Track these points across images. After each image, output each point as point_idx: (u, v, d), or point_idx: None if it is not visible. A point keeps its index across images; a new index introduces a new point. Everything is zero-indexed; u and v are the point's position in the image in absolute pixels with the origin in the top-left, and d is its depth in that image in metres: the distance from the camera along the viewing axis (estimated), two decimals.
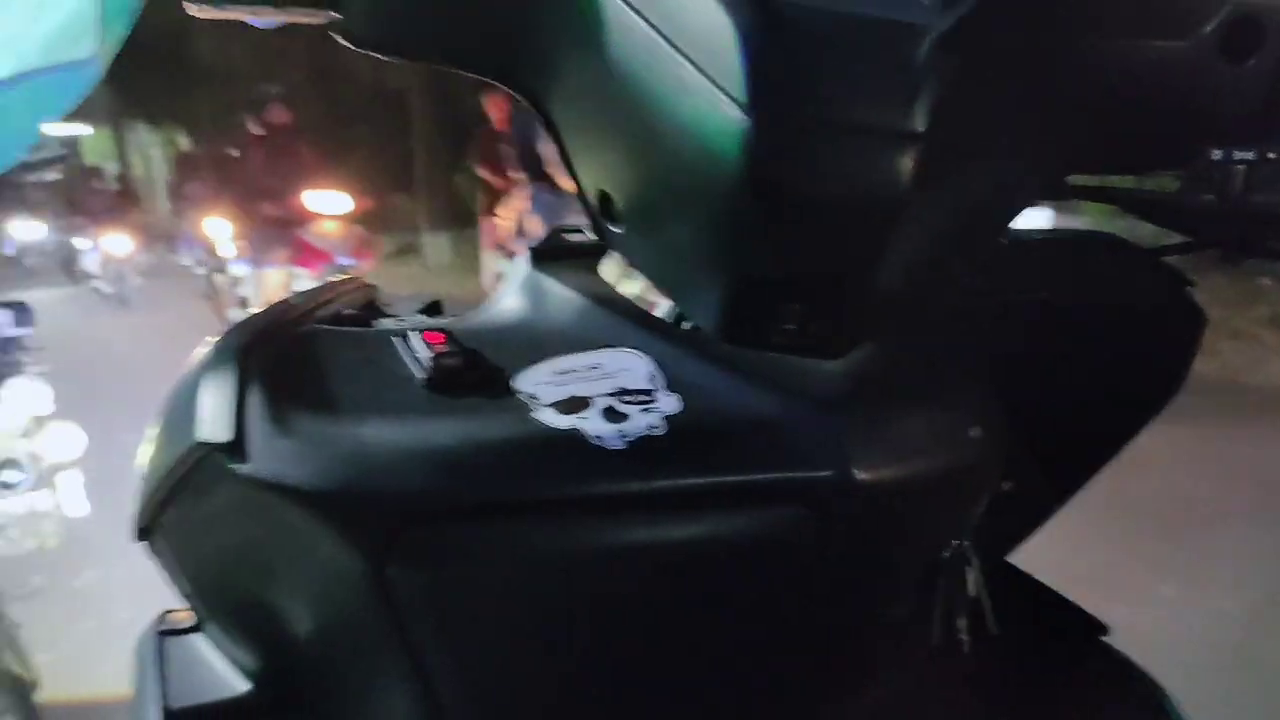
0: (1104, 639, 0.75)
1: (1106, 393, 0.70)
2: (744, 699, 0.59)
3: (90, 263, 12.46)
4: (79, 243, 12.81)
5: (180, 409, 0.51)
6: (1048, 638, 0.75)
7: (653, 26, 0.48)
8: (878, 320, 0.55)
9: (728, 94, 0.45)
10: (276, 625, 0.55)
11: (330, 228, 6.83)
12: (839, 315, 0.52)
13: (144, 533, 0.56)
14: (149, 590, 0.59)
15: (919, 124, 0.45)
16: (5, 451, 2.26)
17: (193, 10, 0.56)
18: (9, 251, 15.31)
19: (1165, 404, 0.70)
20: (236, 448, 0.47)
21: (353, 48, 0.56)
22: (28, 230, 15.11)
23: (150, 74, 13.93)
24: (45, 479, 2.31)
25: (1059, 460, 0.72)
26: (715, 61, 0.45)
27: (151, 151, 19.05)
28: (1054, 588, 0.77)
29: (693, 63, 0.46)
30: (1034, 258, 0.68)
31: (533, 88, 0.57)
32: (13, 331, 2.34)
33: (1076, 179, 0.61)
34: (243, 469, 0.47)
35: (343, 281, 0.69)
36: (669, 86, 0.47)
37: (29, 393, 2.24)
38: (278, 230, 6.97)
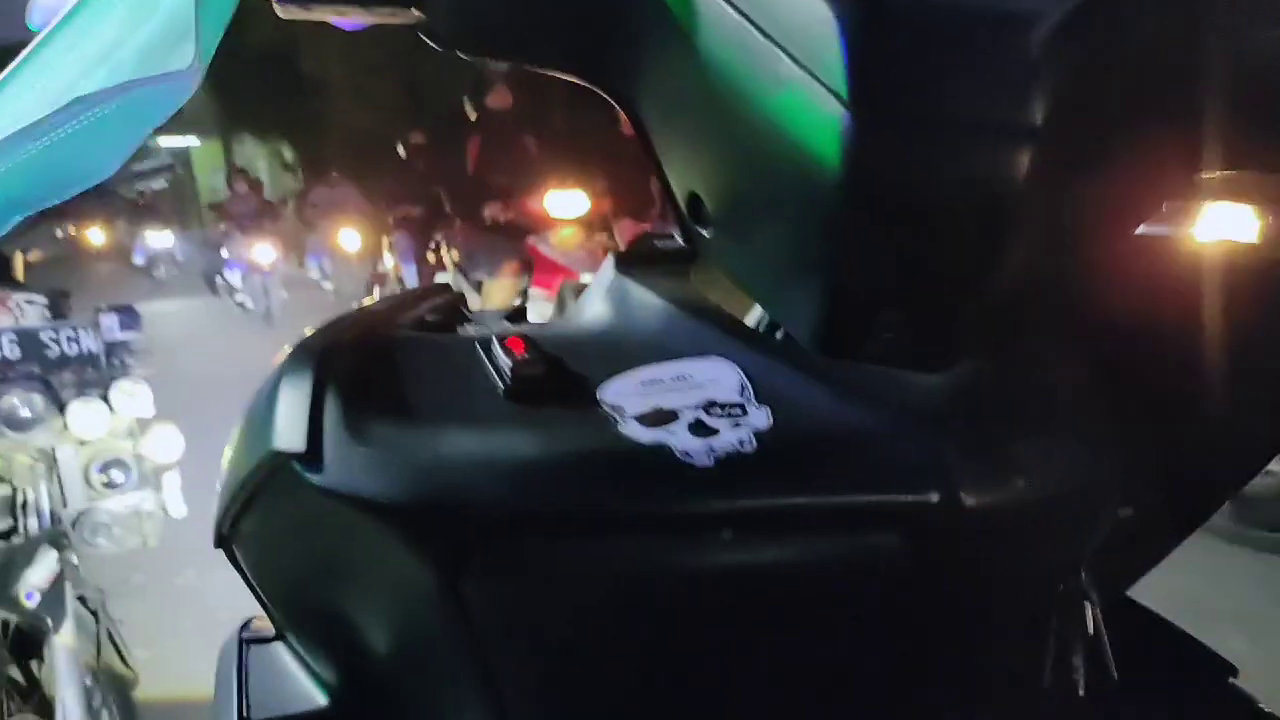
0: (1233, 681, 0.69)
1: (1241, 408, 0.64)
2: None
3: (232, 275, 11.60)
4: (219, 253, 11.96)
5: (257, 417, 0.50)
6: (1172, 679, 0.70)
7: (745, 17, 0.45)
8: (986, 331, 0.51)
9: (827, 87, 0.41)
10: (352, 637, 0.53)
11: (567, 234, 5.47)
12: (944, 325, 0.49)
13: (222, 540, 0.56)
14: (245, 591, 0.59)
15: (1035, 118, 0.41)
16: (112, 452, 2.33)
17: (281, 12, 0.55)
18: (139, 261, 14.80)
19: None
20: (311, 457, 0.46)
21: (438, 48, 0.55)
22: (158, 239, 14.70)
23: (256, 85, 14.39)
24: (148, 480, 2.37)
25: (1187, 483, 0.67)
26: (814, 53, 0.42)
27: (258, 163, 19.69)
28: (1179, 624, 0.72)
29: (789, 54, 0.43)
30: (1160, 263, 0.63)
31: (620, 86, 0.55)
32: (120, 335, 2.41)
33: (1211, 176, 0.56)
34: (316, 479, 0.45)
35: (427, 288, 0.68)
36: (764, 81, 0.44)
37: (135, 395, 2.30)
38: (498, 238, 5.75)
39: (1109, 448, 0.54)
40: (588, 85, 0.55)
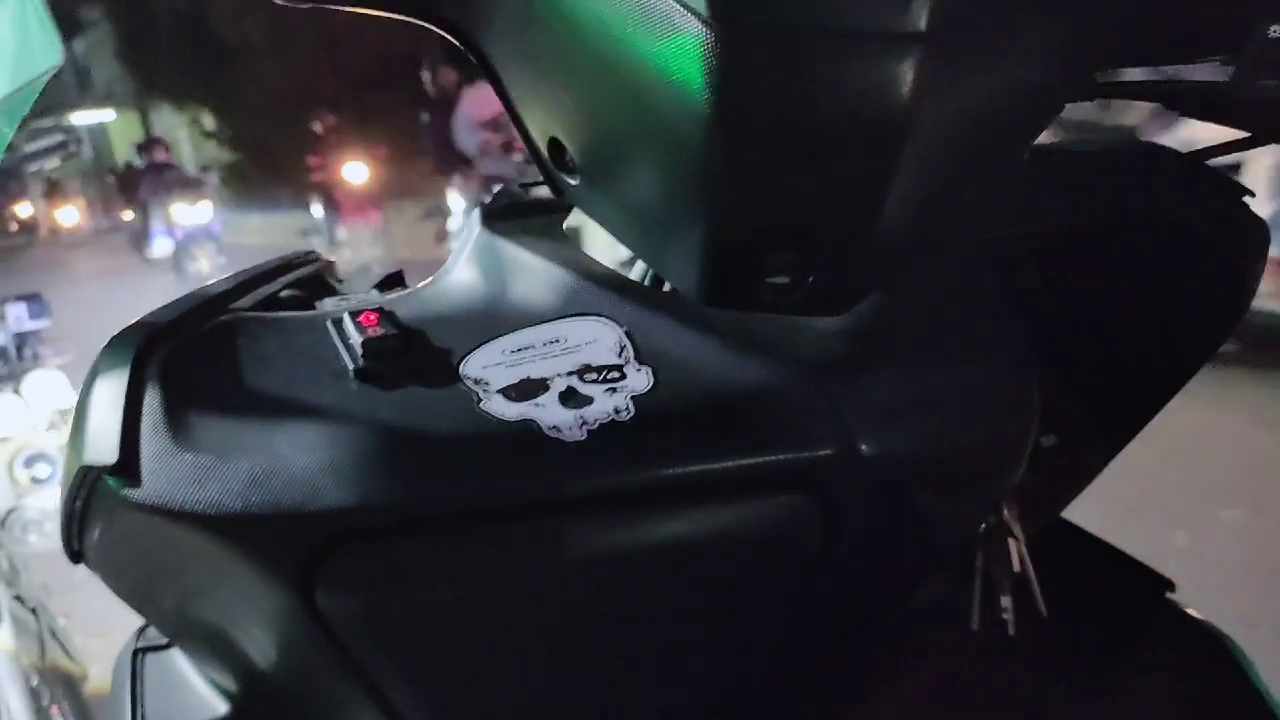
0: (1169, 596, 0.67)
1: (1157, 327, 0.61)
2: (743, 711, 0.52)
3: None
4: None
5: (75, 424, 0.44)
6: (1109, 599, 0.68)
7: None
8: (884, 267, 0.46)
9: (684, 4, 0.37)
10: (232, 649, 0.49)
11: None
12: (839, 264, 0.44)
13: (75, 556, 0.51)
14: None
15: (920, 22, 0.36)
16: (34, 447, 2.25)
17: None
18: (159, 252, 8.82)
19: (1226, 335, 0.62)
20: (126, 469, 0.40)
21: None
22: (192, 214, 8.57)
23: (170, 56, 13.90)
24: None
25: (1108, 406, 0.64)
26: None
27: (178, 132, 19.08)
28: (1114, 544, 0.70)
29: None
30: (1061, 176, 0.59)
31: (462, 24, 0.49)
32: (30, 325, 2.32)
33: (1109, 74, 0.52)
34: (134, 494, 0.40)
35: (291, 257, 0.62)
36: (617, 4, 0.39)
37: (50, 385, 2.22)
38: None
39: (1022, 380, 0.51)
40: (426, 26, 0.50)
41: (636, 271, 0.53)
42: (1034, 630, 0.56)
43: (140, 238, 9.23)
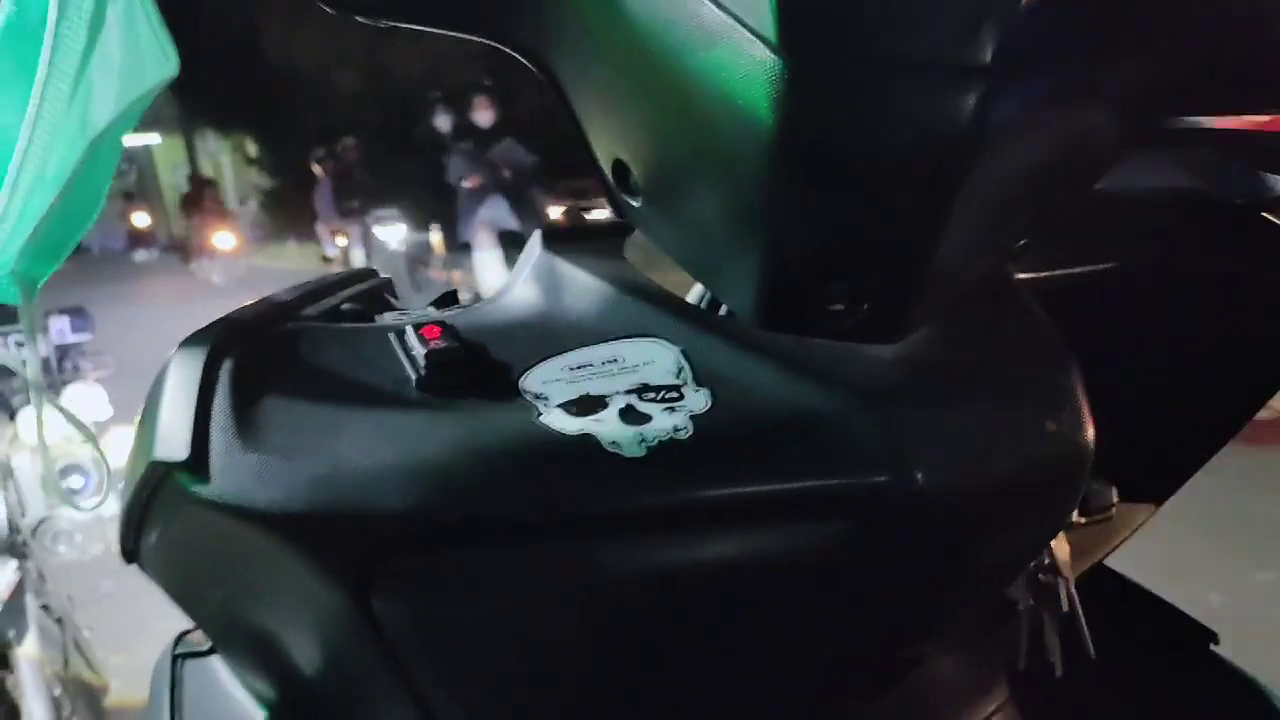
0: (1213, 648, 0.66)
1: (1209, 376, 0.61)
2: None
3: None
4: None
5: (144, 421, 0.45)
6: (1152, 649, 0.67)
7: None
8: (941, 297, 0.47)
9: (754, 32, 0.37)
10: (277, 652, 0.49)
11: None
12: (899, 294, 0.44)
13: (129, 555, 0.51)
14: None
15: (986, 56, 0.37)
16: (69, 458, 2.27)
17: None
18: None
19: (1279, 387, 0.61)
20: (196, 466, 0.41)
21: (333, 12, 0.50)
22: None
23: (217, 80, 14.13)
24: (108, 484, 2.31)
25: (1158, 453, 0.63)
26: None
27: (221, 158, 19.38)
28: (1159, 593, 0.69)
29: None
30: (1116, 220, 0.59)
31: (533, 46, 0.50)
32: (72, 338, 2.35)
33: (1172, 121, 0.52)
34: (201, 491, 0.41)
35: (349, 273, 0.63)
36: (685, 30, 0.40)
37: (89, 398, 2.25)
38: None
39: (1077, 418, 0.51)
40: (497, 47, 0.51)
41: (693, 295, 0.54)
42: (1079, 673, 0.55)
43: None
